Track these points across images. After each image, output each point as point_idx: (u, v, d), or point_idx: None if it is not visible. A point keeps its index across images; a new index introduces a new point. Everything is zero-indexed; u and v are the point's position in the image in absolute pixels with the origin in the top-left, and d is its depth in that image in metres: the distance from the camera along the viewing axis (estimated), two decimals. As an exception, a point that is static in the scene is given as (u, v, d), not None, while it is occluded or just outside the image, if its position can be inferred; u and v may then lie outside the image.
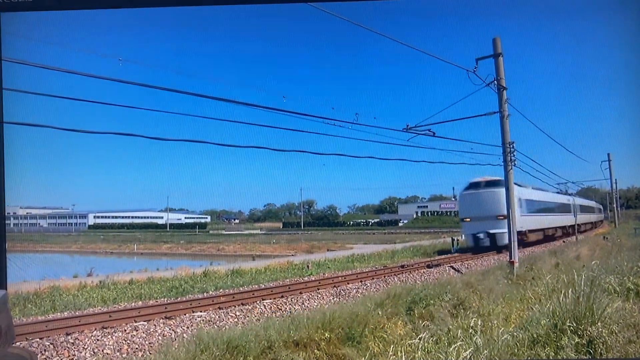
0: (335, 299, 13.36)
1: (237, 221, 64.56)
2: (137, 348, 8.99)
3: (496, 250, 24.48)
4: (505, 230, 19.22)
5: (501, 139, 17.43)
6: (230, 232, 58.60)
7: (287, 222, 57.95)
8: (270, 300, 12.55)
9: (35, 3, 4.60)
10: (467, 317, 9.14)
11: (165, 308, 11.24)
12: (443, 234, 37.24)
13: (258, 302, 12.33)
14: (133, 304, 12.80)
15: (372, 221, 52.16)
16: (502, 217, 21.53)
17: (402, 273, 17.51)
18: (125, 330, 9.47)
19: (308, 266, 21.44)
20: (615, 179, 36.43)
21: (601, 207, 43.96)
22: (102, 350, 8.73)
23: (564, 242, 29.22)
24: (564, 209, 32.99)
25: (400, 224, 49.42)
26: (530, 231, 27.81)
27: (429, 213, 48.68)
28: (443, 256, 25.39)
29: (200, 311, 11.22)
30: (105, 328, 9.63)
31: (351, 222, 53.34)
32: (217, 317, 10.90)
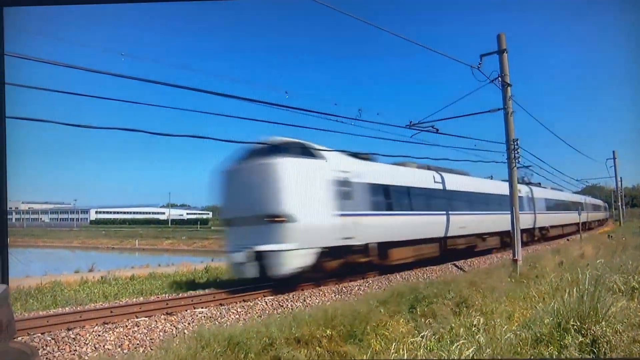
0: (337, 296, 13.32)
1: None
2: (138, 344, 8.96)
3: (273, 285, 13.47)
4: (289, 247, 12.83)
5: (505, 136, 17.37)
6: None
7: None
8: (272, 297, 12.52)
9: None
10: (470, 315, 9.12)
11: (167, 304, 11.23)
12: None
13: (259, 298, 12.30)
14: (134, 299, 12.77)
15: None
16: (279, 220, 12.80)
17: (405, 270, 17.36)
18: (126, 326, 9.44)
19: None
20: (621, 177, 36.24)
21: (606, 205, 43.94)
22: (103, 346, 8.70)
23: (568, 240, 29.21)
24: (578, 207, 31.12)
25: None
26: (552, 227, 28.59)
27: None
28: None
29: (202, 307, 11.19)
30: (107, 324, 9.61)
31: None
32: (218, 313, 10.86)
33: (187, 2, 9.79)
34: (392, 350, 7.34)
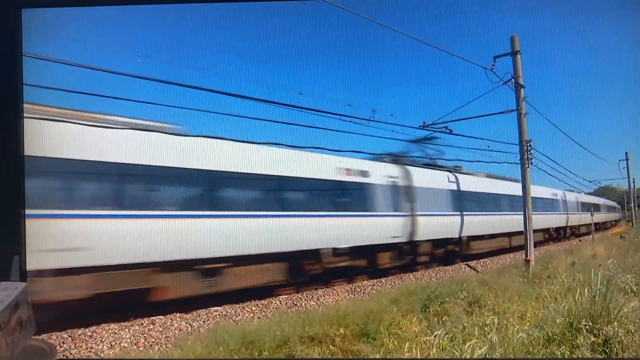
0: (350, 295, 13.38)
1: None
2: (153, 342, 9.07)
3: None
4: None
5: (518, 137, 17.36)
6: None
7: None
8: (286, 296, 12.59)
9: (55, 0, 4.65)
10: (482, 314, 9.15)
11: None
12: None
13: (274, 297, 12.37)
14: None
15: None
16: None
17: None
18: (142, 324, 9.55)
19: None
20: (633, 178, 36.08)
21: (619, 206, 44.24)
22: (120, 344, 8.82)
23: (580, 240, 29.28)
24: (598, 208, 32.96)
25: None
26: (580, 225, 30.36)
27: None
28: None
29: (217, 305, 11.27)
30: (122, 321, 9.71)
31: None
32: (233, 311, 10.96)
33: (200, 4, 9.90)
34: (405, 349, 7.42)
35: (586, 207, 33.10)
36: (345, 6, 12.56)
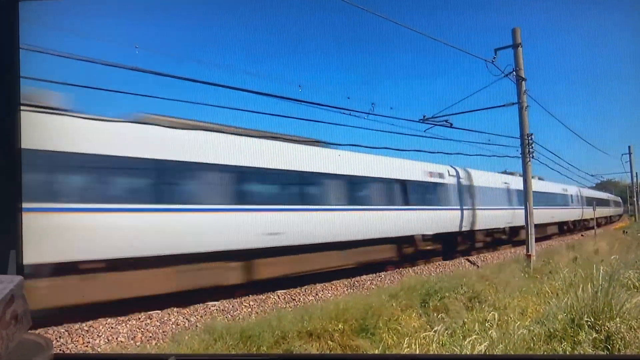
0: (349, 290, 13.32)
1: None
2: (150, 336, 9.02)
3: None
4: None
5: (519, 131, 17.27)
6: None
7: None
8: (284, 291, 12.53)
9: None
10: (482, 310, 9.09)
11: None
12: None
13: (272, 292, 12.31)
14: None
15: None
16: None
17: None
18: (139, 319, 9.50)
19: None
20: (636, 172, 36.10)
21: (621, 200, 44.85)
22: (116, 338, 8.77)
23: (582, 235, 29.32)
24: (606, 203, 36.12)
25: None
26: (590, 219, 31.88)
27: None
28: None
29: (214, 300, 11.21)
30: (120, 316, 9.66)
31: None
32: (230, 306, 10.90)
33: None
34: (404, 345, 7.34)
35: (597, 202, 35.09)
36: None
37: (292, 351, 7.66)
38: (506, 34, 17.51)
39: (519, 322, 7.77)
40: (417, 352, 6.92)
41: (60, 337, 8.47)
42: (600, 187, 38.75)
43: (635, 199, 38.21)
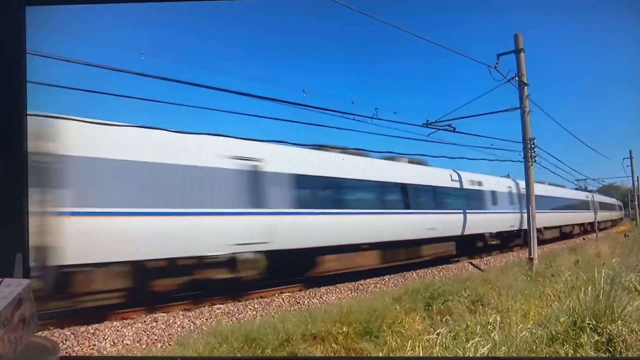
0: (353, 293, 13.37)
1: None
2: (156, 339, 9.07)
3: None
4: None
5: (522, 135, 17.32)
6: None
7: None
8: (289, 294, 12.59)
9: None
10: (485, 313, 9.13)
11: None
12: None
13: (276, 295, 12.37)
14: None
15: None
16: None
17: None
18: (144, 322, 9.55)
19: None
20: (637, 176, 36.18)
21: (622, 204, 45.10)
22: (122, 341, 8.82)
23: (584, 239, 29.32)
24: (612, 207, 38.65)
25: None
26: (599, 222, 33.25)
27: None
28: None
29: (219, 303, 11.28)
30: (125, 319, 9.72)
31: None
32: (235, 309, 10.95)
33: (201, 2, 9.89)
34: (408, 348, 7.40)
35: (604, 207, 36.93)
36: (350, 4, 12.53)
37: (297, 354, 7.70)
38: (509, 40, 17.61)
39: (521, 325, 7.82)
40: (421, 354, 6.97)
41: (66, 339, 8.53)
42: (601, 191, 38.86)
43: (636, 203, 38.20)
